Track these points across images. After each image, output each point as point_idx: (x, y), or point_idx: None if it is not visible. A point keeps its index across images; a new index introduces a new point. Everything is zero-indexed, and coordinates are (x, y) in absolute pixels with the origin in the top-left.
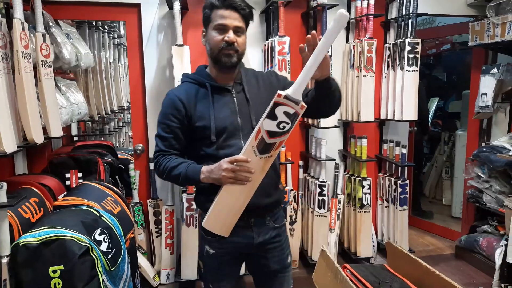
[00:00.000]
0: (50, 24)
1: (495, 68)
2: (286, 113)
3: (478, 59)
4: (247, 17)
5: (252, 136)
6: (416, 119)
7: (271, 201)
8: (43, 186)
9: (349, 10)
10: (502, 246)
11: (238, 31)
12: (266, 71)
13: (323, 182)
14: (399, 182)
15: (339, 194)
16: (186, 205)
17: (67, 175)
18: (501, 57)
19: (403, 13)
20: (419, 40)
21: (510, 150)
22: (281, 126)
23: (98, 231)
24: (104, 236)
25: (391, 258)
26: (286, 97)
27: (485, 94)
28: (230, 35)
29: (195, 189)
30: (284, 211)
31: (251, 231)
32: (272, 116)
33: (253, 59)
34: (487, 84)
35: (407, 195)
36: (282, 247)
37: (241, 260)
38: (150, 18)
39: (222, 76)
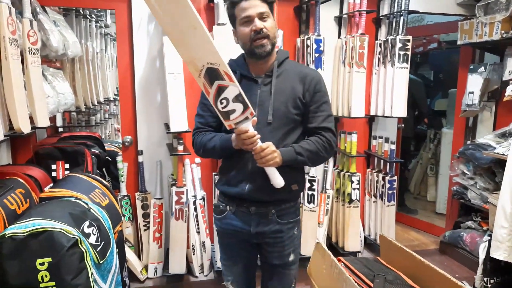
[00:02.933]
0: (38, 10)
1: (482, 67)
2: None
3: (466, 58)
4: (269, 1)
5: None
6: (405, 115)
7: (277, 197)
8: (29, 177)
9: (341, 6)
10: (486, 241)
11: (263, 16)
12: (313, 72)
13: (313, 177)
14: (387, 178)
15: (328, 189)
16: (175, 198)
17: (53, 166)
18: (488, 56)
19: (395, 10)
20: (410, 37)
21: (495, 147)
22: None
23: (87, 223)
24: (93, 229)
25: (384, 251)
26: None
27: (472, 92)
28: (257, 23)
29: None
30: None
31: (249, 219)
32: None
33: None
34: (474, 83)
35: (395, 191)
36: (283, 244)
37: (252, 247)
38: (141, 7)
39: (256, 66)
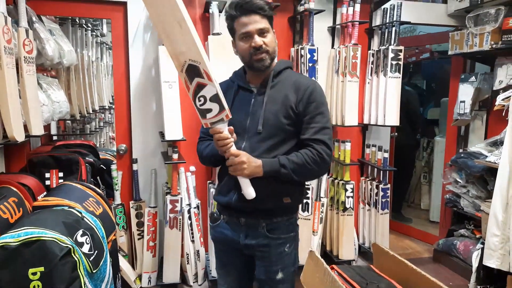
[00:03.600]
0: (34, 19)
1: (473, 76)
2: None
3: (457, 68)
4: (268, 15)
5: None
6: (398, 124)
7: (265, 208)
8: (22, 185)
9: (335, 17)
10: (479, 249)
11: (263, 32)
12: (308, 82)
13: (307, 185)
14: (380, 186)
15: (322, 197)
16: (169, 206)
17: (47, 175)
18: (479, 66)
19: (387, 21)
20: (402, 47)
21: (486, 156)
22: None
23: (80, 232)
24: (86, 238)
25: (377, 259)
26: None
27: (464, 101)
28: (256, 40)
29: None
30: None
31: (239, 229)
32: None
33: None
34: (466, 92)
35: (388, 199)
36: (270, 260)
37: (245, 258)
38: (137, 17)
39: (254, 77)
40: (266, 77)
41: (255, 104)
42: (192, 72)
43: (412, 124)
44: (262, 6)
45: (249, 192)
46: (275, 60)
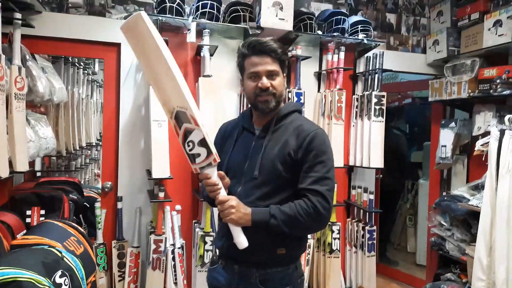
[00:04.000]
0: (27, 57)
1: (453, 122)
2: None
3: (437, 113)
4: (280, 59)
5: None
6: (382, 166)
7: (257, 259)
8: (1, 223)
9: (321, 63)
10: None
11: (272, 74)
12: (310, 128)
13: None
14: (366, 227)
15: (309, 239)
16: (153, 246)
17: (28, 212)
18: (458, 112)
19: (370, 68)
20: (384, 93)
21: (469, 199)
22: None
23: (59, 273)
24: (65, 279)
25: None
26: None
27: (445, 146)
28: (264, 81)
29: None
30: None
31: (233, 277)
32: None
33: (229, 102)
34: (446, 137)
35: (375, 241)
36: None
37: None
38: (130, 57)
39: (258, 118)
40: (270, 120)
41: (255, 147)
42: (181, 118)
43: (401, 167)
44: (275, 49)
45: (241, 241)
46: (282, 104)
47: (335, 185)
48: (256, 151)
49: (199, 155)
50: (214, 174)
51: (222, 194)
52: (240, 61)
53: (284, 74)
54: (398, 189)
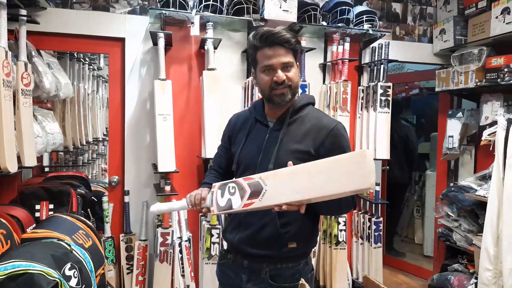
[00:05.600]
0: (33, 53)
1: (460, 112)
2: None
3: (444, 104)
4: (294, 48)
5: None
6: (388, 157)
7: (268, 253)
8: (12, 217)
9: (325, 54)
10: (473, 284)
11: (286, 66)
12: (331, 123)
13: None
14: (373, 219)
15: None
16: (160, 239)
17: (37, 207)
18: (465, 102)
19: (376, 59)
20: (390, 84)
21: (476, 190)
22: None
23: (68, 265)
24: (74, 271)
25: None
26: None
27: (452, 136)
28: (279, 74)
29: None
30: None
31: (242, 272)
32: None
33: (233, 95)
34: (453, 127)
35: (381, 233)
36: None
37: None
38: (134, 52)
39: (271, 110)
40: (285, 112)
41: (269, 140)
42: (257, 190)
43: (410, 160)
44: (288, 39)
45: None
46: (297, 95)
47: None
48: (271, 144)
49: (224, 202)
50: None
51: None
52: (251, 53)
53: (298, 64)
54: (407, 182)
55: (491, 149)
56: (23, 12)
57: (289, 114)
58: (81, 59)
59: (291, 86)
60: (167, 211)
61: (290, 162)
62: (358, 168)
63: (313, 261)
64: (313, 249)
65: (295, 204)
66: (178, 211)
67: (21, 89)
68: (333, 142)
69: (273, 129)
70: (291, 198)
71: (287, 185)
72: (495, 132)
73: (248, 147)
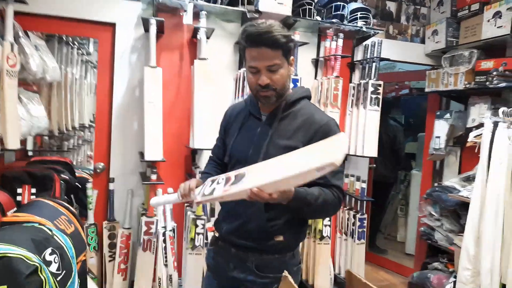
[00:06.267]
0: (20, 34)
1: (448, 113)
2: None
3: (433, 104)
4: (283, 48)
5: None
6: (376, 155)
7: (254, 245)
8: None
9: (318, 49)
10: (451, 283)
11: (272, 69)
12: (323, 118)
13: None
14: (357, 216)
15: None
16: (144, 228)
17: (19, 190)
18: (454, 104)
19: (368, 56)
20: (381, 82)
21: (460, 190)
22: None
23: (49, 250)
24: (55, 257)
25: (350, 287)
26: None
27: (439, 137)
28: (263, 79)
29: None
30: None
31: (229, 259)
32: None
33: (225, 86)
34: (441, 128)
35: (365, 229)
36: None
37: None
38: (124, 38)
39: (264, 105)
40: (277, 106)
41: (260, 134)
42: (239, 180)
43: (397, 160)
44: (276, 40)
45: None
46: (290, 91)
47: None
48: (262, 138)
49: (209, 191)
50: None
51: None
52: (241, 48)
53: (292, 58)
54: (392, 181)
55: (476, 151)
56: None
57: (281, 109)
58: (70, 43)
59: (276, 89)
60: (164, 203)
61: None
62: (329, 146)
63: None
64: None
65: (266, 190)
66: (172, 203)
67: (6, 70)
68: (322, 138)
69: (265, 123)
70: (262, 181)
71: (265, 170)
72: (481, 134)
73: (240, 140)
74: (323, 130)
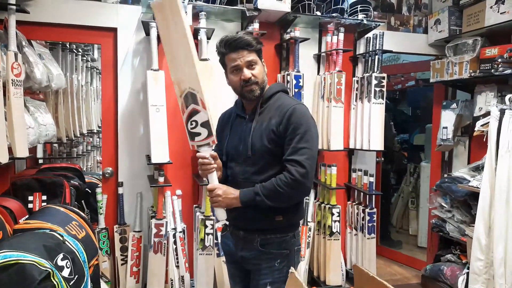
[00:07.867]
0: (23, 43)
1: (455, 103)
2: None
3: (439, 95)
4: (256, 49)
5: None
6: (382, 149)
7: (258, 227)
8: (4, 208)
9: (320, 45)
10: (464, 274)
11: (251, 64)
12: (290, 103)
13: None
14: (367, 210)
15: (309, 221)
16: (154, 230)
17: (30, 198)
18: (460, 93)
19: (370, 49)
20: (384, 74)
21: (469, 181)
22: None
23: (61, 256)
24: (67, 262)
25: (358, 282)
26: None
27: (446, 127)
28: (245, 73)
29: None
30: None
31: (238, 242)
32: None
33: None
34: (448, 118)
35: (375, 223)
36: (260, 272)
37: (245, 271)
38: (126, 42)
39: (247, 104)
40: (256, 104)
41: (245, 130)
42: (190, 98)
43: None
44: (249, 43)
45: (218, 213)
46: (267, 87)
47: (316, 154)
48: (247, 133)
49: (199, 134)
50: (208, 154)
51: (214, 177)
52: (220, 58)
53: (263, 61)
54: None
55: (484, 140)
56: (12, 1)
57: (259, 105)
58: (74, 50)
59: (258, 82)
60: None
61: None
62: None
63: (307, 252)
64: (303, 238)
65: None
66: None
67: (12, 80)
68: (288, 119)
69: (248, 120)
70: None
71: None
72: (488, 122)
73: (231, 139)
74: (290, 113)
